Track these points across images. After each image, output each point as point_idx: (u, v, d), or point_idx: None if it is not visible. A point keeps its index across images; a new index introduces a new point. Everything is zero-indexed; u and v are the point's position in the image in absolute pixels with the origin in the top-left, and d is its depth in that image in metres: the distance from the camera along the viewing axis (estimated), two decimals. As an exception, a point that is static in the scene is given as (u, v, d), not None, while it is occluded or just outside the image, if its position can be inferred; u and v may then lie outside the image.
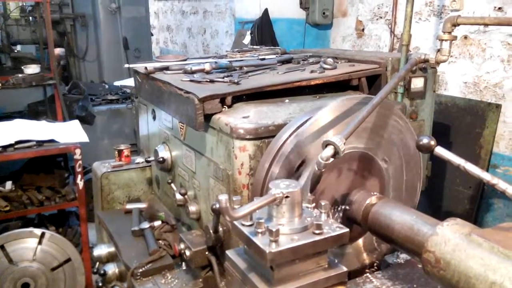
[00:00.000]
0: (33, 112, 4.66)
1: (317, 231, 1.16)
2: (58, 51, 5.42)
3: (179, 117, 1.99)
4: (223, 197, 1.08)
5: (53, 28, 5.46)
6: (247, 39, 4.05)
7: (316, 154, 1.37)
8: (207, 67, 2.08)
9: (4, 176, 3.65)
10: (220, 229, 1.81)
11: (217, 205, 1.65)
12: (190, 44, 8.72)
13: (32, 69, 3.89)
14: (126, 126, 5.82)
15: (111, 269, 2.29)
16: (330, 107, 1.47)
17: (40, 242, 3.18)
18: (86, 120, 5.34)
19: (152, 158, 2.51)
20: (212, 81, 1.95)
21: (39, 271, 3.15)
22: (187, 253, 1.95)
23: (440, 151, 1.25)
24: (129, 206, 2.61)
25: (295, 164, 1.49)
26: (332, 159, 1.28)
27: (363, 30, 4.33)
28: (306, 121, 1.49)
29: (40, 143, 3.25)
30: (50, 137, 3.29)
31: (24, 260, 3.13)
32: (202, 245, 1.94)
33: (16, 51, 5.93)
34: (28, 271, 3.12)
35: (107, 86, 6.35)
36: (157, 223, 2.38)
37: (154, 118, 2.57)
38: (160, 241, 2.23)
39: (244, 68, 2.18)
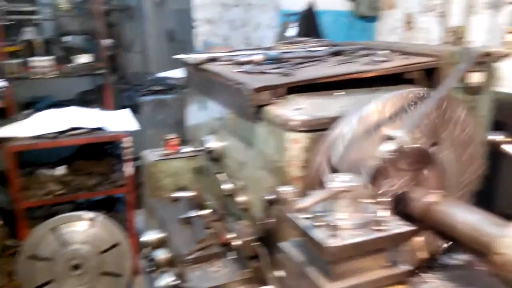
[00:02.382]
0: (82, 101, 4.77)
1: (378, 228, 1.11)
2: (105, 42, 5.51)
3: (229, 108, 1.97)
4: (286, 189, 1.05)
5: (101, 19, 5.57)
6: (291, 31, 3.99)
7: (374, 149, 1.31)
8: (257, 58, 2.05)
9: (57, 161, 3.78)
10: (270, 220, 1.79)
11: (271, 196, 1.64)
12: (231, 37, 8.72)
13: (83, 58, 3.99)
14: (170, 117, 5.87)
15: (161, 255, 2.32)
16: (389, 99, 1.41)
17: (91, 226, 3.27)
18: (132, 110, 5.44)
19: (200, 148, 2.52)
20: (263, 72, 1.92)
21: (89, 254, 3.24)
22: (236, 243, 1.94)
23: (508, 148, 1.17)
24: (177, 194, 2.63)
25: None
26: (392, 154, 1.23)
27: (411, 23, 4.18)
28: (363, 114, 1.43)
29: (92, 130, 3.33)
30: (101, 125, 3.37)
31: (76, 242, 3.23)
32: (250, 235, 1.93)
33: (65, 41, 6.11)
34: (79, 253, 3.22)
35: (152, 77, 6.43)
36: (205, 212, 2.39)
37: (202, 108, 2.57)
38: (208, 230, 2.24)
39: (294, 59, 2.13)
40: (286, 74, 1.84)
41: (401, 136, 1.21)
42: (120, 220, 4.05)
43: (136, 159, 3.86)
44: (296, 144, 1.62)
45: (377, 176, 1.32)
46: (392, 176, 1.39)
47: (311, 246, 1.14)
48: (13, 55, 4.37)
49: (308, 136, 1.61)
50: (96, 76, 4.57)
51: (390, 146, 1.22)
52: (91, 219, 3.28)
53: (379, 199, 1.17)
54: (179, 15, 7.40)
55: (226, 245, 2.08)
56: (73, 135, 3.21)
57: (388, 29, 4.41)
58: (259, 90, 1.71)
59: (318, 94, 1.84)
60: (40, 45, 4.55)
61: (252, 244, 1.91)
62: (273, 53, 2.18)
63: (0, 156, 4.05)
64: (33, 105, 4.57)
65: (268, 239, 1.87)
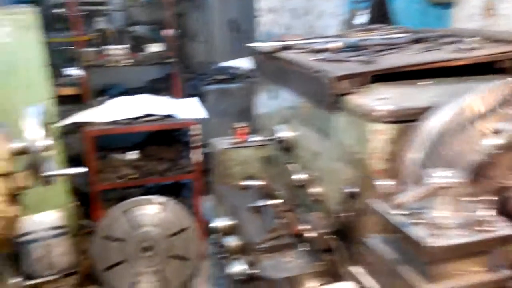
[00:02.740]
0: (151, 89, 4.90)
1: (481, 228, 1.02)
2: (171, 32, 5.60)
3: (306, 97, 1.92)
4: (384, 182, 0.98)
5: (167, 10, 5.68)
6: (361, 19, 3.83)
7: (475, 143, 1.21)
8: (334, 45, 1.97)
9: (129, 146, 3.91)
10: (348, 213, 1.73)
11: (351, 189, 1.57)
12: (293, 26, 8.59)
13: (154, 47, 4.09)
14: (233, 105, 5.92)
15: (232, 241, 2.32)
16: (491, 89, 1.29)
17: (161, 210, 3.36)
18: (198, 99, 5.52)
19: (271, 137, 2.49)
20: (342, 60, 1.84)
21: (160, 236, 3.34)
22: (309, 234, 1.90)
23: None
24: (246, 182, 2.63)
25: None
26: (500, 149, 1.12)
27: (491, 9, 3.88)
28: (461, 105, 1.32)
29: (163, 117, 3.41)
30: (172, 112, 3.43)
31: (147, 225, 3.33)
32: (324, 227, 1.87)
33: (134, 31, 6.29)
34: (150, 235, 3.32)
35: (216, 67, 6.50)
36: (275, 201, 2.36)
37: (273, 97, 2.53)
38: (279, 220, 2.21)
39: (374, 47, 2.03)
40: (368, 62, 1.75)
41: (510, 129, 1.09)
42: (186, 205, 4.14)
43: (202, 146, 3.91)
44: (380, 136, 1.54)
45: (479, 172, 1.21)
46: (497, 173, 1.27)
47: (406, 244, 1.06)
48: (87, 44, 4.55)
49: (394, 128, 1.52)
50: (165, 65, 4.66)
51: (497, 140, 1.11)
52: (161, 203, 3.37)
53: (481, 198, 1.07)
54: (242, 5, 7.40)
55: (298, 236, 2.05)
56: (146, 121, 3.30)
57: (465, 16, 4.12)
58: (340, 78, 1.63)
59: (402, 83, 1.73)
60: (112, 35, 4.71)
61: (326, 237, 1.85)
62: (350, 40, 2.09)
63: (76, 140, 4.27)
64: (105, 92, 4.75)
65: (344, 232, 1.81)
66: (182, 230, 3.42)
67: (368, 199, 1.54)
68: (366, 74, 1.67)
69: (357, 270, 1.74)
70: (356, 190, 1.53)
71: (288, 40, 2.28)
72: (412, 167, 1.36)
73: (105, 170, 3.48)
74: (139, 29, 6.25)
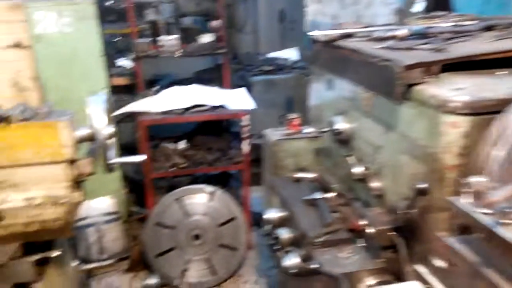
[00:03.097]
0: (200, 79, 4.90)
1: None
2: (219, 23, 5.58)
3: (369, 87, 1.83)
4: (478, 179, 0.90)
5: (217, 1, 5.66)
6: (418, 7, 3.65)
7: None
8: (401, 33, 1.87)
9: (179, 136, 3.93)
10: (414, 210, 1.64)
11: (419, 185, 1.48)
12: (340, 16, 8.38)
13: (206, 38, 4.08)
14: (280, 96, 5.85)
15: (285, 233, 2.27)
16: None
17: (210, 199, 3.37)
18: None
19: (326, 128, 2.41)
20: (410, 48, 1.74)
21: (209, 225, 3.34)
22: (370, 230, 1.82)
23: None
24: (299, 174, 2.57)
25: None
26: None
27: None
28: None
29: (213, 107, 3.39)
30: (222, 103, 3.41)
31: (197, 213, 3.34)
32: (386, 224, 1.79)
33: (183, 23, 6.32)
34: (200, 224, 3.34)
35: (262, 57, 6.44)
36: (330, 194, 2.29)
37: (329, 88, 2.44)
38: (335, 214, 2.14)
39: (443, 34, 1.90)
40: (439, 50, 1.64)
41: None
42: (234, 196, 4.13)
43: (250, 137, 3.87)
44: (454, 129, 1.44)
45: None
46: None
47: (494, 245, 0.97)
48: (139, 35, 4.60)
49: (470, 120, 1.42)
50: (215, 55, 4.65)
51: None
52: (211, 193, 3.37)
53: None
54: (291, -5, 7.27)
55: (355, 231, 1.97)
56: (197, 111, 3.29)
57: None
58: (412, 67, 1.54)
59: (476, 73, 1.61)
60: (163, 26, 4.74)
61: (388, 233, 1.77)
62: (416, 28, 1.98)
63: (128, 129, 4.35)
64: (156, 82, 4.80)
65: (407, 230, 1.72)
66: (231, 220, 3.41)
67: (446, 196, 1.44)
68: (438, 62, 1.56)
69: (423, 270, 1.66)
70: (426, 186, 1.43)
71: (348, 28, 2.18)
72: (495, 165, 1.25)
73: (157, 159, 3.52)
74: (187, 21, 6.28)
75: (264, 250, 3.93)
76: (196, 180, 4.05)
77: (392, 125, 1.79)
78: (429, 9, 3.65)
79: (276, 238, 2.31)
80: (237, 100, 3.65)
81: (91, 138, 1.66)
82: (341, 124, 2.25)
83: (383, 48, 1.80)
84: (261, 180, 3.22)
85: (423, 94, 1.53)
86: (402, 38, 1.89)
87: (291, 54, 6.37)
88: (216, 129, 3.98)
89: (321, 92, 2.57)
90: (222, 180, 4.26)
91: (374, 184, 1.93)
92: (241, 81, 5.74)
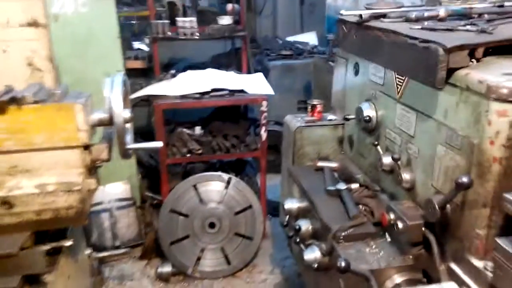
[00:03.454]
0: (216, 64, 4.78)
1: None
2: (236, 5, 5.44)
3: (405, 71, 1.69)
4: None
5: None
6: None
7: None
8: (441, 13, 1.72)
9: (194, 121, 3.84)
10: (451, 206, 1.52)
11: (464, 179, 1.36)
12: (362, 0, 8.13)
13: (225, 20, 3.94)
14: (297, 82, 5.71)
15: (305, 225, 2.17)
16: None
17: (227, 187, 3.27)
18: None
19: (352, 116, 2.29)
20: (451, 30, 1.60)
21: (225, 213, 3.26)
22: (400, 225, 1.70)
23: None
24: (320, 163, 2.46)
25: None
26: None
27: None
28: None
29: (231, 92, 3.28)
30: (240, 87, 3.30)
31: (213, 201, 3.26)
32: (418, 219, 1.67)
33: (199, 5, 6.18)
34: (216, 212, 3.25)
35: (281, 41, 6.28)
36: (355, 185, 2.18)
37: (356, 72, 2.31)
38: (361, 206, 2.03)
39: (486, 15, 1.75)
40: (483, 32, 1.50)
41: None
42: (250, 183, 4.04)
43: (268, 123, 3.75)
44: (502, 118, 1.31)
45: None
46: None
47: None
48: (158, 17, 4.49)
49: (521, 109, 1.29)
50: (233, 39, 4.51)
51: None
52: (227, 180, 3.27)
53: None
54: (308, -23, 7.06)
55: (382, 225, 1.86)
56: (216, 96, 3.18)
57: None
58: (455, 49, 1.40)
59: (524, 57, 1.47)
60: (180, 8, 4.61)
61: (420, 229, 1.65)
62: (455, 8, 1.82)
63: (143, 113, 4.27)
64: (171, 66, 4.69)
65: (442, 226, 1.60)
66: (247, 208, 3.32)
67: (489, 191, 1.32)
68: (484, 45, 1.42)
69: (457, 269, 1.55)
70: (470, 179, 1.31)
71: (381, 8, 2.04)
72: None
73: (173, 144, 3.43)
74: (204, 3, 6.14)
75: (279, 240, 3.86)
76: (211, 166, 3.96)
77: (427, 113, 1.66)
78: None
79: (297, 229, 2.21)
80: (255, 85, 3.52)
81: (108, 123, 1.56)
82: (368, 111, 2.12)
83: (421, 29, 1.66)
84: (278, 167, 3.13)
85: (467, 79, 1.39)
86: (441, 19, 1.74)
87: (310, 38, 6.20)
88: (232, 115, 3.87)
89: (346, 77, 2.44)
90: (238, 167, 4.16)
91: (406, 176, 1.80)
92: (259, 66, 5.61)
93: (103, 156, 1.62)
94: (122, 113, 1.50)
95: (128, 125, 1.61)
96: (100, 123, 1.58)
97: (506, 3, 1.93)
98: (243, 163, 4.30)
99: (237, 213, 3.29)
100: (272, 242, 3.79)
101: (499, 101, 1.29)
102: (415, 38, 1.55)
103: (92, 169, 1.66)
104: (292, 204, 2.33)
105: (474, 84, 1.36)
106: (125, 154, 1.59)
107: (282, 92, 5.69)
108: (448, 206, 1.53)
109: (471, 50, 1.43)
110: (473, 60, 1.45)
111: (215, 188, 3.26)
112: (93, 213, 3.30)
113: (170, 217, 3.22)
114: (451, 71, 1.45)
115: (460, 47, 1.40)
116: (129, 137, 1.63)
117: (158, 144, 1.89)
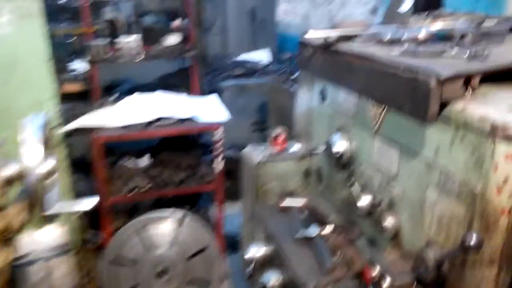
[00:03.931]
0: (164, 85, 4.48)
1: None
2: (184, 22, 5.19)
3: (385, 102, 1.49)
4: None
5: (180, -1, 5.25)
6: (407, 6, 3.37)
7: None
8: (421, 35, 1.54)
9: (141, 150, 3.50)
10: (452, 264, 1.31)
11: (473, 239, 1.14)
12: (311, 16, 8.12)
13: (171, 39, 3.66)
14: (252, 102, 5.51)
15: (273, 279, 1.91)
16: None
17: (178, 227, 2.95)
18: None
19: (320, 148, 2.07)
20: (436, 55, 1.41)
21: (177, 258, 2.93)
22: (387, 283, 1.48)
23: None
24: (286, 202, 2.21)
25: None
26: None
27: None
28: None
29: (181, 120, 2.99)
30: (191, 114, 3.01)
31: (163, 245, 2.92)
32: (407, 276, 1.45)
33: (145, 22, 5.87)
34: (166, 257, 2.92)
35: (232, 60, 6.07)
36: (328, 229, 1.94)
37: (323, 98, 2.10)
38: (336, 255, 1.79)
39: (468, 36, 1.59)
40: (476, 57, 1.32)
41: None
42: (205, 217, 3.75)
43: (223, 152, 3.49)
44: (511, 162, 1.11)
45: None
46: None
47: None
48: (95, 36, 4.15)
49: (534, 151, 1.10)
50: (182, 58, 4.24)
51: None
52: (178, 220, 2.95)
53: None
54: (262, -7, 6.94)
55: (364, 280, 1.63)
56: (163, 125, 2.87)
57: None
58: (451, 80, 1.20)
59: (522, 86, 1.30)
60: (122, 25, 4.29)
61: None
62: (440, 28, 1.66)
63: (81, 141, 3.87)
64: (114, 88, 4.35)
65: (437, 285, 1.38)
66: (202, 250, 3.00)
67: (496, 247, 1.12)
68: (483, 73, 1.24)
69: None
70: (479, 241, 1.10)
71: (348, 29, 1.84)
72: None
73: (114, 180, 3.07)
74: (149, 20, 5.84)
75: (239, 279, 3.57)
76: (161, 201, 3.62)
77: (413, 150, 1.46)
78: (418, 7, 3.38)
79: (262, 284, 1.94)
80: (208, 109, 3.26)
81: (22, 178, 1.23)
82: (340, 144, 1.91)
83: (401, 54, 1.47)
84: (234, 195, 2.88)
85: (465, 116, 1.20)
86: (420, 42, 1.56)
87: (262, 56, 6.03)
88: (184, 142, 3.57)
89: (312, 103, 2.23)
90: (191, 199, 3.85)
91: (389, 223, 1.59)
92: (210, 86, 5.35)
93: (21, 221, 1.28)
94: (40, 166, 1.18)
95: (51, 179, 1.28)
96: (14, 180, 1.24)
97: (486, 22, 1.79)
98: (197, 194, 4.00)
99: (191, 256, 2.97)
100: (232, 282, 3.49)
101: (507, 142, 1.10)
102: (397, 66, 1.35)
103: (7, 237, 1.31)
104: (255, 252, 2.07)
105: (474, 122, 1.17)
106: (45, 219, 1.26)
107: (235, 114, 5.44)
108: (449, 264, 1.32)
109: (466, 80, 1.24)
110: (468, 90, 1.25)
111: (164, 230, 2.93)
112: (22, 266, 2.86)
113: (113, 267, 2.84)
114: (443, 104, 1.26)
115: (457, 77, 1.20)
116: (52, 196, 1.30)
117: (91, 203, 1.56)
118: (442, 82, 1.20)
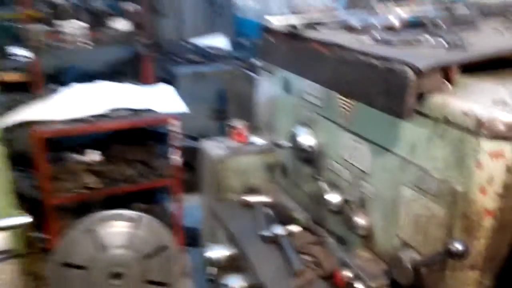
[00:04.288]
0: (114, 73, 4.23)
1: None
2: (135, 5, 4.92)
3: (358, 96, 1.38)
4: None
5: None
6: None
7: None
8: (395, 22, 1.44)
9: (89, 144, 3.26)
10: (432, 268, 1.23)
11: (456, 245, 1.06)
12: (271, 0, 7.97)
13: (118, 24, 3.41)
14: (210, 90, 5.34)
15: (237, 284, 1.79)
16: None
17: (133, 226, 2.77)
18: (167, 83, 4.91)
19: (284, 141, 1.96)
20: (411, 43, 1.32)
21: (132, 260, 2.74)
22: (360, 286, 1.40)
23: None
24: (249, 198, 2.10)
25: None
26: None
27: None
28: None
29: (134, 112, 2.79)
30: (144, 106, 2.82)
31: (116, 246, 2.73)
32: (382, 278, 1.38)
33: (93, 5, 5.53)
34: (121, 259, 2.73)
35: (188, 46, 5.84)
36: (295, 228, 1.84)
37: (287, 89, 1.98)
38: (304, 256, 1.70)
39: (441, 24, 1.51)
40: (455, 46, 1.24)
41: None
42: (162, 214, 3.57)
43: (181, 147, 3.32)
44: (496, 160, 1.04)
45: None
46: None
47: None
48: (39, 21, 3.82)
49: (521, 148, 1.03)
50: (131, 45, 3.99)
51: None
52: (133, 219, 2.77)
53: None
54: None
55: (335, 283, 1.54)
56: (113, 118, 2.67)
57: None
58: (430, 71, 1.11)
59: (500, 76, 1.23)
60: (66, 9, 3.98)
61: (386, 291, 1.36)
62: (415, 15, 1.57)
63: (23, 134, 3.57)
64: (58, 77, 4.04)
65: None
66: (159, 250, 2.83)
67: (479, 250, 1.05)
68: (458, 63, 1.16)
69: None
70: (464, 248, 1.02)
71: (314, 14, 1.72)
72: None
73: (60, 178, 2.83)
74: (97, 3, 5.49)
75: (200, 277, 3.44)
76: (113, 198, 3.41)
77: (386, 146, 1.37)
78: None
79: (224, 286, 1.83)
80: (163, 99, 3.07)
81: None
82: (305, 138, 1.80)
83: (375, 42, 1.36)
84: (194, 187, 2.77)
85: (446, 110, 1.11)
86: (392, 29, 1.47)
87: (220, 41, 5.84)
88: (137, 135, 3.36)
89: (275, 93, 2.10)
90: (147, 195, 3.66)
91: (361, 221, 1.50)
92: (164, 74, 5.13)
93: None
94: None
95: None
96: None
97: (455, 8, 1.72)
98: (153, 189, 3.81)
99: (148, 257, 2.79)
100: (193, 280, 3.36)
101: (492, 139, 1.02)
102: (370, 55, 1.25)
103: None
104: (217, 253, 1.95)
105: (456, 116, 1.08)
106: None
107: (193, 102, 5.26)
108: (426, 268, 1.24)
109: (444, 71, 1.16)
110: (447, 82, 1.17)
111: (119, 228, 2.73)
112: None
113: (62, 271, 2.63)
114: (419, 97, 1.17)
115: (436, 68, 1.11)
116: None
117: (24, 220, 1.37)
118: (420, 74, 1.11)
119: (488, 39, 1.35)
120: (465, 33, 1.39)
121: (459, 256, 1.03)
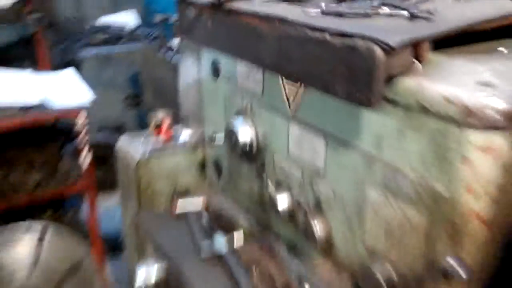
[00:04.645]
0: (2, 58, 3.72)
1: None
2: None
3: (310, 80, 1.19)
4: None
5: None
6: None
7: None
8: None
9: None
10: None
11: (450, 265, 0.92)
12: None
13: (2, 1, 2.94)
14: (120, 74, 4.96)
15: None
16: None
17: (40, 243, 2.43)
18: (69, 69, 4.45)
19: (218, 136, 1.74)
20: (368, 15, 1.15)
21: (42, 285, 2.41)
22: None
23: None
24: (180, 205, 1.86)
25: None
26: None
27: None
28: None
29: (26, 109, 2.41)
30: (41, 98, 2.44)
31: (20, 270, 2.38)
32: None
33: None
34: (27, 284, 2.38)
35: (91, 25, 5.35)
36: (237, 235, 1.64)
37: (216, 73, 1.75)
38: (253, 271, 1.51)
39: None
40: (421, 18, 1.08)
41: None
42: (75, 221, 3.23)
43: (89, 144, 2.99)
44: (485, 156, 0.90)
45: None
46: None
47: None
48: None
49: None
50: (21, 24, 3.51)
51: None
52: (38, 235, 2.42)
53: None
54: None
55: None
56: (1, 116, 2.27)
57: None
58: (400, 48, 0.94)
59: (473, 51, 1.11)
60: None
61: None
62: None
63: None
64: None
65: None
66: (74, 269, 2.53)
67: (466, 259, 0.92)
68: (429, 38, 1.00)
69: None
70: (468, 274, 0.89)
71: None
72: None
73: None
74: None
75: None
76: (11, 212, 2.99)
77: (345, 139, 1.20)
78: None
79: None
80: (64, 88, 2.70)
81: None
82: (243, 130, 1.59)
83: (323, 14, 1.18)
84: (108, 184, 2.50)
85: (422, 95, 0.96)
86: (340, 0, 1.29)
87: (128, 18, 5.39)
88: (35, 133, 2.95)
89: (201, 78, 1.87)
90: (53, 203, 3.27)
91: (320, 227, 1.34)
92: (64, 59, 4.67)
93: None
94: None
95: None
96: None
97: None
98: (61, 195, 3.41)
99: (61, 278, 2.47)
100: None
101: (483, 130, 0.88)
102: (320, 30, 1.06)
103: None
104: (147, 277, 1.70)
105: (435, 104, 0.93)
106: None
107: (102, 89, 4.84)
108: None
109: (415, 48, 1.00)
110: (416, 62, 1.02)
111: (20, 250, 2.38)
112: None
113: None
114: (390, 80, 1.00)
115: (407, 45, 0.95)
116: None
117: None
118: (392, 52, 0.93)
119: (451, 10, 1.21)
120: (421, 3, 1.25)
121: (458, 277, 0.89)
